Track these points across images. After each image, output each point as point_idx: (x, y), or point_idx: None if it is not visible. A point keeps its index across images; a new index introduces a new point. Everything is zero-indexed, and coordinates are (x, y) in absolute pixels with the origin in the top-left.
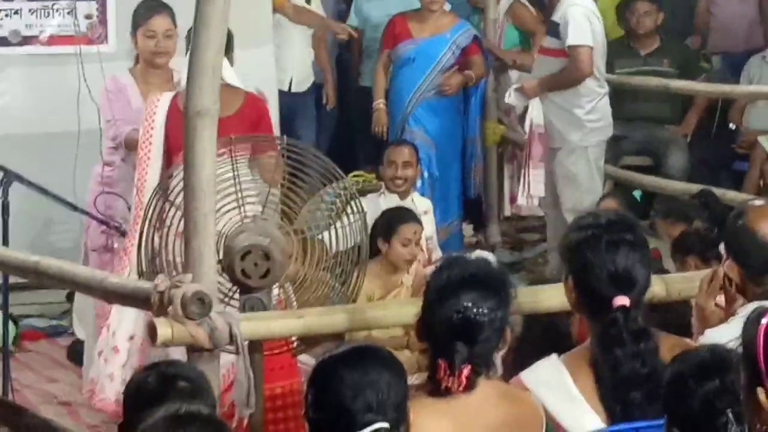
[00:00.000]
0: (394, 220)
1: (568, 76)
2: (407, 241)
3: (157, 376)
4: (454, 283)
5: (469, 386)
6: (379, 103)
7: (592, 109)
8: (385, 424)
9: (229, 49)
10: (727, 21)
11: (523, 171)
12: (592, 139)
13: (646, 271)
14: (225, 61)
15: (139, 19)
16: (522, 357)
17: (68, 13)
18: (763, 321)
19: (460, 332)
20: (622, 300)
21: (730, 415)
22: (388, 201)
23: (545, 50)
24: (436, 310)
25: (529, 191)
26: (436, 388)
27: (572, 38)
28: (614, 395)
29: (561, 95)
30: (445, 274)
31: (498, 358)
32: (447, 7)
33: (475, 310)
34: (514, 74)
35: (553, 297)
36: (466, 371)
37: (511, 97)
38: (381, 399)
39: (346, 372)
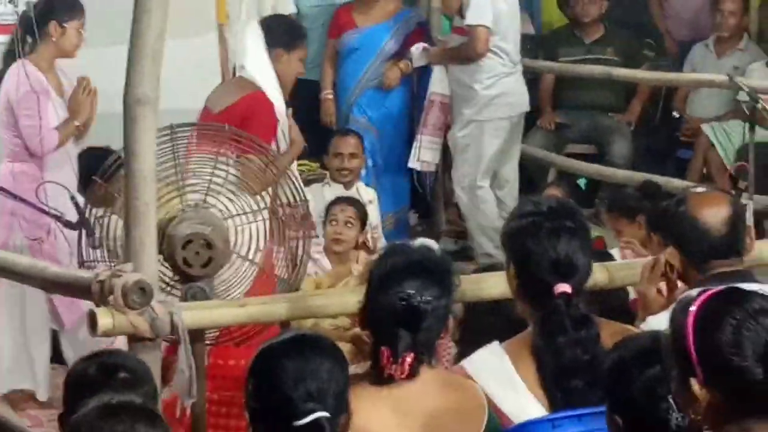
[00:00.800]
0: (329, 205)
1: (464, 53)
2: (334, 218)
3: (98, 366)
4: (397, 271)
5: (412, 374)
6: (327, 93)
7: (491, 85)
8: (326, 413)
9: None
10: (679, 9)
11: (417, 135)
12: (489, 114)
13: (587, 258)
14: (264, 56)
15: (75, 11)
16: (465, 344)
17: (9, 1)
18: (692, 309)
19: (403, 320)
20: (563, 287)
21: (672, 401)
22: (332, 190)
23: (457, 29)
24: (379, 298)
25: (418, 156)
26: (378, 376)
27: (470, 18)
28: (556, 382)
29: (461, 70)
30: (388, 261)
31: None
32: None
33: (418, 298)
34: None
35: (496, 285)
36: (409, 359)
37: (415, 52)
38: (321, 387)
39: (287, 360)
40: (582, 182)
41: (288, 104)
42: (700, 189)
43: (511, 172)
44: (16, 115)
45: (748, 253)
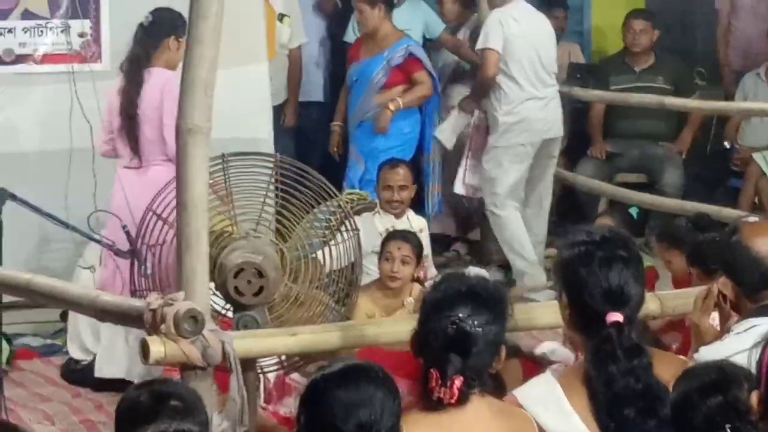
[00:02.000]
0: (384, 240)
1: (478, 79)
2: (389, 256)
3: (150, 393)
4: (450, 296)
5: (461, 399)
6: (335, 125)
7: (509, 111)
8: None
9: None
10: (744, 40)
11: (463, 159)
12: (507, 140)
13: (639, 287)
14: None
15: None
16: None
17: (61, 31)
18: None
19: (454, 343)
20: (615, 316)
21: (728, 430)
22: (383, 220)
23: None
24: (432, 323)
25: (464, 179)
26: (428, 402)
27: (480, 42)
28: (608, 412)
29: (489, 96)
30: (442, 287)
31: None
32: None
33: (469, 322)
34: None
35: (546, 314)
36: (458, 382)
37: (445, 132)
38: (373, 419)
39: (339, 391)
40: (634, 211)
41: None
42: (752, 218)
43: (538, 196)
44: (163, 116)
45: None
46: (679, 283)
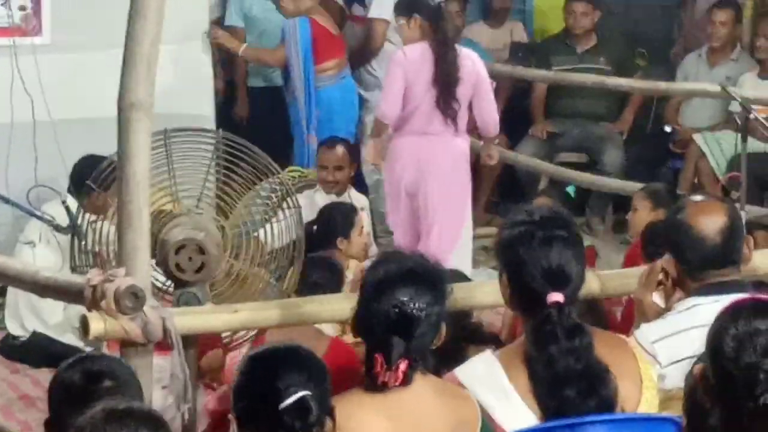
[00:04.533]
0: (348, 216)
1: (365, 46)
2: (361, 230)
3: (83, 374)
4: (390, 278)
5: (406, 381)
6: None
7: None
8: (308, 392)
9: None
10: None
11: None
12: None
13: (580, 267)
14: None
15: None
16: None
17: (2, 4)
18: None
19: (397, 326)
20: (555, 296)
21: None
22: (323, 197)
23: (352, 17)
24: (372, 305)
25: None
26: (372, 384)
27: (372, 11)
28: (549, 392)
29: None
30: (381, 268)
31: None
32: None
33: (412, 305)
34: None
35: (488, 294)
36: (402, 366)
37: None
38: (304, 380)
39: (271, 360)
40: (571, 190)
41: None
42: (698, 197)
43: None
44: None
45: (746, 262)
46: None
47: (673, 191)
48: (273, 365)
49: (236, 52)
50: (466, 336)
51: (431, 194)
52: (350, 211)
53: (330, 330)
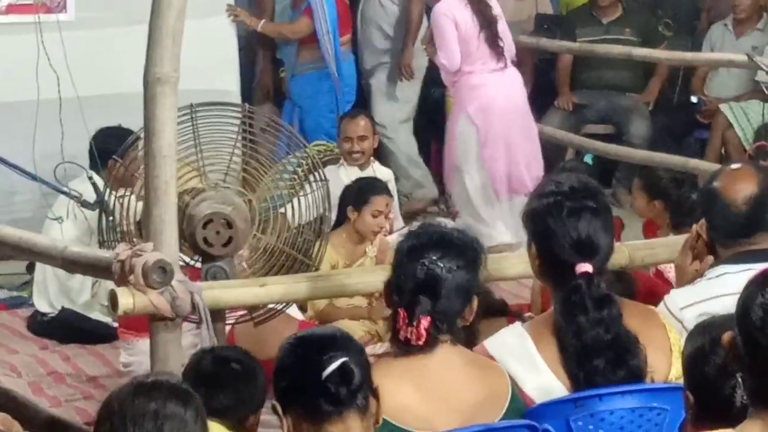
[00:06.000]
0: (366, 190)
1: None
2: (377, 213)
3: (213, 358)
4: (422, 242)
5: (429, 342)
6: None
7: None
8: (347, 358)
9: None
10: None
11: None
12: None
13: (608, 237)
14: None
15: None
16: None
17: None
18: None
19: (423, 285)
20: (584, 267)
21: (739, 379)
22: (348, 172)
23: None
24: (402, 267)
25: None
26: (398, 345)
27: None
28: (577, 362)
29: None
30: (415, 235)
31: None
32: None
33: (440, 264)
34: None
35: (516, 265)
36: (425, 322)
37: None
38: (344, 351)
39: (312, 343)
40: (589, 158)
41: None
42: (735, 165)
43: None
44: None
45: None
46: (648, 224)
47: (676, 178)
48: (312, 343)
49: (255, 28)
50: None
51: (519, 129)
52: (369, 187)
53: (357, 303)
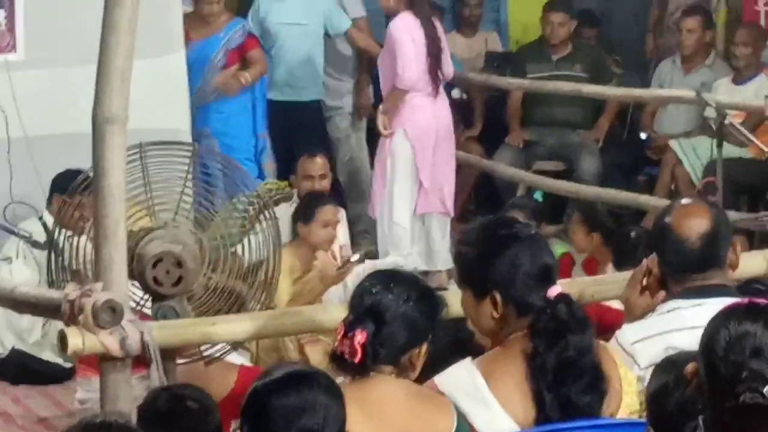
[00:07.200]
0: (312, 204)
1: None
2: (326, 223)
3: (169, 396)
4: (381, 275)
5: (364, 361)
6: None
7: None
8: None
9: None
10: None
11: None
12: None
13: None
14: None
15: None
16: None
17: None
18: None
19: (370, 309)
20: (557, 289)
21: (700, 421)
22: None
23: None
24: (357, 294)
25: None
26: (334, 364)
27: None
28: (551, 386)
29: None
30: (377, 272)
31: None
32: None
33: (388, 294)
34: None
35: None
36: (360, 337)
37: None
38: (317, 426)
39: (281, 398)
40: (538, 195)
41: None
42: (686, 200)
43: None
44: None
45: (734, 268)
46: (588, 262)
47: (614, 212)
48: (282, 408)
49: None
50: (454, 347)
51: (443, 153)
52: (314, 200)
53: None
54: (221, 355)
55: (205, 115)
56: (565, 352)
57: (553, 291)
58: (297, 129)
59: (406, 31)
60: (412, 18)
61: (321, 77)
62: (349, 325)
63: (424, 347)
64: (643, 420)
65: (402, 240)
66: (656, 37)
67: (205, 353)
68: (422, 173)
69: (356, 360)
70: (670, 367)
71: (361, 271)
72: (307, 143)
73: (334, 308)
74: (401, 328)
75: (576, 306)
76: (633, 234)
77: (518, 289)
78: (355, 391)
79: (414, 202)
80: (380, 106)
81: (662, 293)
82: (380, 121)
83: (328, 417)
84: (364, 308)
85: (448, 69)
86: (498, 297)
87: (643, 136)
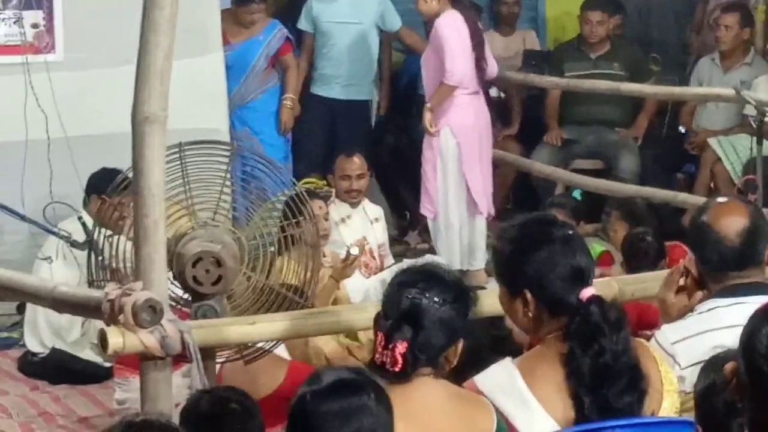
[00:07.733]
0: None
1: None
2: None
3: (211, 398)
4: (412, 276)
5: (405, 369)
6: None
7: None
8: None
9: None
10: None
11: None
12: None
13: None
14: None
15: None
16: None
17: (14, 22)
18: None
19: (407, 314)
20: (590, 291)
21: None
22: (338, 209)
23: None
24: (390, 298)
25: None
26: (374, 372)
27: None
28: (591, 387)
29: None
30: (406, 270)
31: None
32: None
33: (426, 295)
34: None
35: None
36: (401, 347)
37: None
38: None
39: (330, 405)
40: (577, 193)
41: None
42: (722, 198)
43: None
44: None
45: None
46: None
47: (651, 206)
48: (330, 412)
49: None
50: (492, 345)
51: (483, 151)
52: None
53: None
54: (270, 348)
55: (241, 114)
56: (600, 356)
57: (586, 293)
58: (342, 126)
59: (453, 28)
60: (458, 15)
61: (374, 77)
62: (388, 335)
63: (460, 344)
64: (687, 419)
65: (455, 242)
66: (698, 35)
67: (245, 353)
68: (467, 170)
69: (397, 369)
70: (718, 365)
71: (396, 269)
72: (352, 142)
73: (372, 308)
74: (439, 331)
75: (609, 307)
76: (644, 240)
77: (549, 290)
78: (397, 396)
79: (464, 201)
80: (427, 104)
81: (699, 293)
82: (427, 118)
83: (377, 424)
84: (400, 313)
85: (493, 66)
86: (529, 296)
87: (682, 129)
